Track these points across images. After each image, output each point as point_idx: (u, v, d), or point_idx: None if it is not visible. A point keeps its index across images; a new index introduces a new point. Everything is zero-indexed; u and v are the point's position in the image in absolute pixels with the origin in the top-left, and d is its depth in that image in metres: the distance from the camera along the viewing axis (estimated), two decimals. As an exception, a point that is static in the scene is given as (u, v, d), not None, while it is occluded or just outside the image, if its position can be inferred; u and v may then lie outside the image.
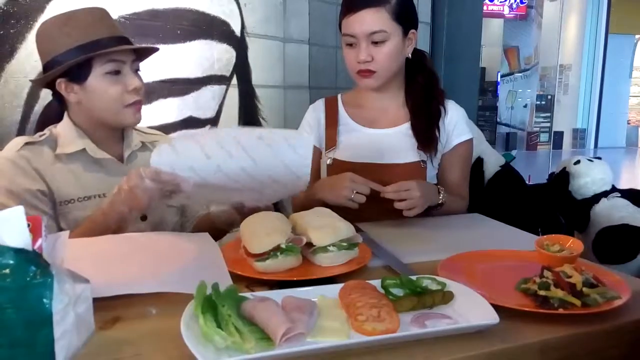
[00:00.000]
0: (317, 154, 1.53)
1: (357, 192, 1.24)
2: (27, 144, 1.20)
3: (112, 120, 1.24)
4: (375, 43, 1.36)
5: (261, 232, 0.97)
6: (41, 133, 1.25)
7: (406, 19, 1.39)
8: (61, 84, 1.21)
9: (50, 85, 1.23)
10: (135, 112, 1.24)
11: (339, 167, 1.46)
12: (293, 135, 1.10)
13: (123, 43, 1.21)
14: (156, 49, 1.31)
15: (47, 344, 0.60)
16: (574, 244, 0.98)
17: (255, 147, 1.04)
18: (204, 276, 0.78)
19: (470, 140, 1.53)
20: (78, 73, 1.18)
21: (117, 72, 1.20)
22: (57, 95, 1.26)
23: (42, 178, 1.19)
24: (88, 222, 1.14)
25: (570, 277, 0.83)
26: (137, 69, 1.27)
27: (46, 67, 1.21)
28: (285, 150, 1.05)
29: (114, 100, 1.21)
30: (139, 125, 1.36)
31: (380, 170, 1.43)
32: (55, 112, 1.29)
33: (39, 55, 1.23)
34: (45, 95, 1.74)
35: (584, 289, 0.81)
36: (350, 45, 1.39)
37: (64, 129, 1.26)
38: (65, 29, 1.17)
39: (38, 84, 1.26)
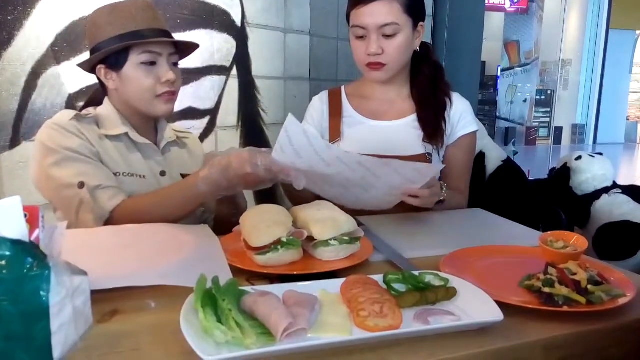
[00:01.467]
0: None
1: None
2: (76, 116, 1.25)
3: (144, 109, 1.28)
4: (386, 36, 1.35)
5: (262, 225, 0.95)
6: (86, 111, 1.30)
7: (416, 11, 1.39)
8: (101, 70, 1.27)
9: (94, 70, 1.29)
10: (166, 103, 1.28)
11: None
12: (424, 166, 1.17)
13: (162, 36, 1.25)
14: (196, 45, 1.34)
15: (44, 337, 0.59)
16: (578, 241, 0.97)
17: (380, 168, 1.07)
18: (204, 269, 0.77)
19: (474, 133, 1.52)
20: (116, 61, 1.24)
21: (152, 63, 1.24)
22: (100, 80, 1.31)
23: (94, 148, 1.23)
24: (171, 187, 1.21)
25: (575, 274, 0.82)
26: (175, 63, 1.30)
27: (91, 53, 1.27)
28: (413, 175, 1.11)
29: (146, 89, 1.25)
30: (169, 123, 1.41)
31: None
32: (99, 97, 1.34)
33: (88, 41, 1.28)
34: (43, 84, 1.72)
35: (589, 287, 0.80)
36: (360, 37, 1.37)
37: (106, 112, 1.30)
38: (109, 18, 1.23)
39: (82, 68, 1.30)
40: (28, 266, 0.58)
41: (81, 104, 1.42)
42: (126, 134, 1.29)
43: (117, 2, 1.26)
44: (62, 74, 1.74)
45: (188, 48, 1.34)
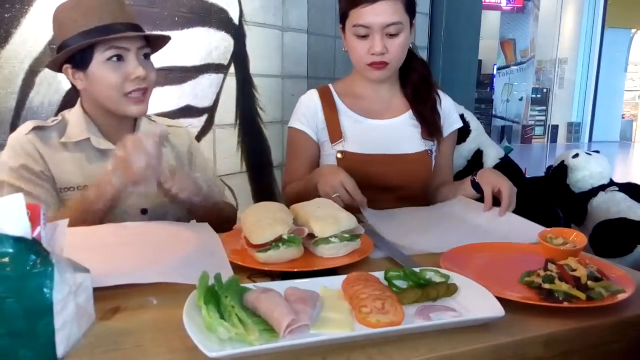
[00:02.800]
0: (314, 146, 1.50)
1: (337, 195, 1.20)
2: (36, 127, 1.22)
3: (114, 109, 1.22)
4: (389, 35, 1.35)
5: (263, 223, 0.96)
6: (54, 118, 1.27)
7: (413, 9, 1.40)
8: (67, 70, 1.21)
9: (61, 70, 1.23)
10: (137, 103, 1.21)
11: (350, 159, 1.43)
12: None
13: (130, 30, 1.18)
14: (167, 38, 1.28)
15: (48, 334, 0.59)
16: (577, 237, 0.97)
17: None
18: (205, 266, 0.77)
19: (458, 130, 1.59)
20: (81, 59, 1.17)
21: (119, 58, 1.17)
22: (71, 82, 1.26)
23: (44, 162, 1.20)
24: (79, 199, 1.14)
25: (574, 270, 0.83)
26: (146, 58, 1.23)
27: (58, 52, 1.20)
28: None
29: (113, 87, 1.18)
30: (156, 117, 1.35)
31: (392, 160, 1.43)
32: (75, 98, 1.30)
33: (55, 38, 1.23)
34: (41, 82, 1.71)
35: (589, 283, 0.81)
36: (362, 36, 1.36)
37: (74, 115, 1.26)
38: (72, 14, 1.17)
39: (50, 68, 1.25)
40: (31, 263, 0.59)
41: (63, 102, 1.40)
42: (88, 139, 1.23)
43: None
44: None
45: (159, 40, 1.27)
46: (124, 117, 1.26)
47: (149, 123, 1.35)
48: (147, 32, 1.25)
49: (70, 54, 1.16)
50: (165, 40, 1.28)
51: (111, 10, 1.18)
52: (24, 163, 1.17)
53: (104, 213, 1.12)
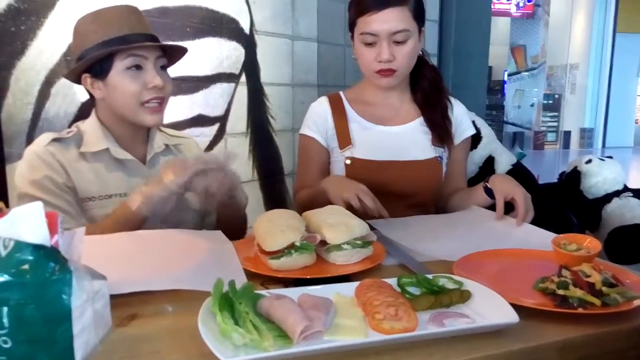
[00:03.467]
0: (324, 152, 1.51)
1: (360, 200, 1.21)
2: (54, 140, 1.23)
3: (131, 118, 1.24)
4: (397, 42, 1.35)
5: (276, 230, 0.96)
6: (69, 130, 1.28)
7: (422, 16, 1.40)
8: (86, 80, 1.23)
9: (80, 80, 1.26)
10: (153, 113, 1.24)
11: (359, 166, 1.44)
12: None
13: (147, 40, 1.22)
14: (184, 49, 1.31)
15: (66, 340, 0.60)
16: (591, 243, 0.96)
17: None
18: (219, 273, 0.78)
19: (471, 137, 1.58)
20: (100, 68, 1.20)
21: (137, 68, 1.20)
22: (89, 91, 1.28)
23: (66, 173, 1.21)
24: (109, 218, 1.16)
25: (589, 276, 0.82)
26: (163, 69, 1.26)
27: (77, 62, 1.23)
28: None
29: (132, 96, 1.21)
30: (165, 128, 1.37)
31: (401, 167, 1.44)
32: (89, 109, 1.32)
33: (73, 50, 1.26)
34: (57, 93, 1.74)
35: (604, 289, 0.80)
36: (369, 44, 1.37)
37: (90, 126, 1.28)
38: (92, 26, 1.20)
39: (68, 78, 1.28)
40: (50, 270, 0.60)
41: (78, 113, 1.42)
42: (107, 149, 1.25)
43: (101, 8, 1.23)
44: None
45: (176, 52, 1.30)
46: (139, 127, 1.29)
47: (159, 134, 1.38)
48: (165, 43, 1.29)
49: (91, 63, 1.20)
50: (181, 52, 1.31)
51: (130, 21, 1.21)
52: (45, 174, 1.19)
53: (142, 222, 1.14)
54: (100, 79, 1.21)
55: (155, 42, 1.24)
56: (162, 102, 1.25)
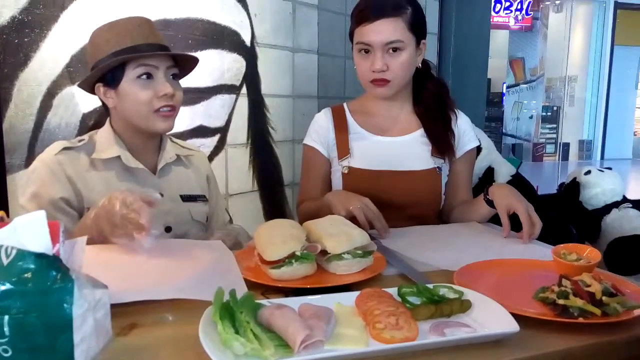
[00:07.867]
0: (326, 162, 1.53)
1: (364, 213, 1.22)
2: (65, 148, 1.24)
3: (143, 125, 1.26)
4: (391, 53, 1.37)
5: (276, 240, 0.96)
6: (80, 138, 1.30)
7: (419, 29, 1.41)
8: (99, 89, 1.26)
9: (94, 90, 1.28)
10: (165, 119, 1.25)
11: (356, 175, 1.45)
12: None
13: (158, 50, 1.24)
14: (195, 59, 1.33)
15: (67, 349, 0.60)
16: (591, 253, 0.97)
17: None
18: (220, 283, 0.77)
19: (476, 148, 1.58)
20: (112, 77, 1.23)
21: (149, 77, 1.22)
22: (102, 101, 1.30)
23: (73, 184, 1.22)
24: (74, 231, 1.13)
25: (589, 286, 0.82)
26: (174, 78, 1.28)
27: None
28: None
29: (143, 103, 1.22)
30: (177, 139, 1.38)
31: (398, 177, 1.44)
32: (103, 119, 1.33)
33: (88, 60, 1.28)
34: (58, 104, 1.76)
35: (604, 298, 0.80)
36: (365, 54, 1.39)
37: (103, 134, 1.30)
38: (106, 36, 1.23)
39: (82, 88, 1.30)
40: (52, 279, 0.60)
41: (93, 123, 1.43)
42: (118, 157, 1.26)
43: (115, 20, 1.26)
44: (76, 94, 1.77)
45: (187, 62, 1.32)
46: (151, 136, 1.31)
47: (171, 144, 1.40)
48: (175, 52, 1.31)
49: (103, 72, 1.22)
50: (193, 62, 1.33)
51: (142, 32, 1.24)
52: (48, 190, 1.19)
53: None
54: (113, 88, 1.24)
55: (166, 52, 1.26)
56: (173, 110, 1.27)
